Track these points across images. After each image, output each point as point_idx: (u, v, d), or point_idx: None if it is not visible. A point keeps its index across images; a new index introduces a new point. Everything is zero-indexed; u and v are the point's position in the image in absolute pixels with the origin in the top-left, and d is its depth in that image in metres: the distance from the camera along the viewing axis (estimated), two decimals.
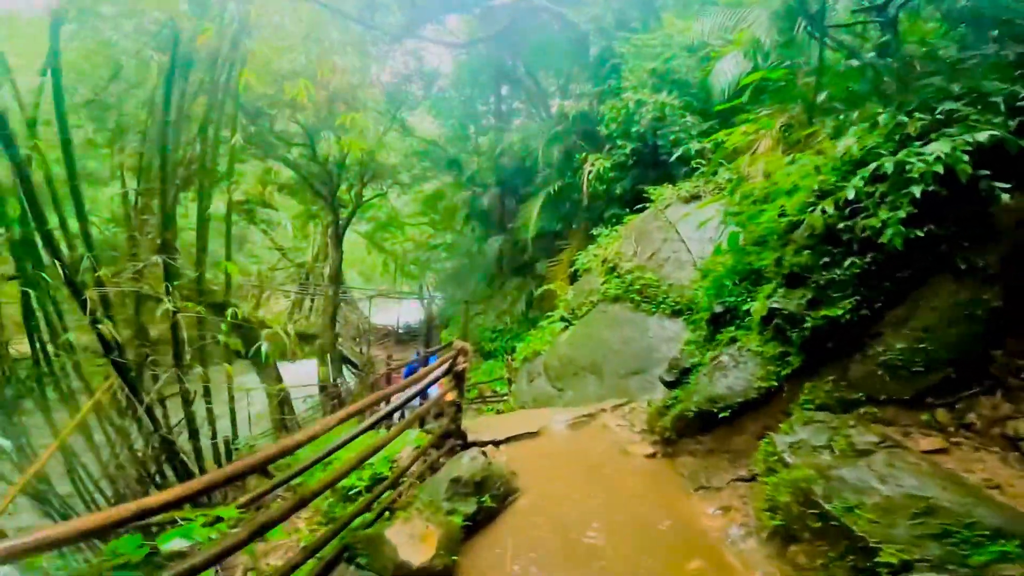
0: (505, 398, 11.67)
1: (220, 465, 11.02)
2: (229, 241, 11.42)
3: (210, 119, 10.83)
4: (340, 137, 18.26)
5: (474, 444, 6.65)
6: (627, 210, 10.99)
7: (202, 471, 9.83)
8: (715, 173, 9.48)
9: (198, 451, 10.52)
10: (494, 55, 20.03)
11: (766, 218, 5.66)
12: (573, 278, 11.83)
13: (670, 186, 9.71)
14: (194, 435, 9.76)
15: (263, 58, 15.68)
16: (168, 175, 9.76)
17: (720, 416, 5.37)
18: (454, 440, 6.28)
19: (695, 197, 9.15)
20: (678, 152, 10.39)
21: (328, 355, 20.11)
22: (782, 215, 5.44)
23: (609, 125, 12.32)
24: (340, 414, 3.66)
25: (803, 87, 7.62)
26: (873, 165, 4.44)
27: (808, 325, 4.59)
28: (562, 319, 10.41)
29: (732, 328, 5.90)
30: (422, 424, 7.30)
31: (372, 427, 4.31)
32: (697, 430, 5.80)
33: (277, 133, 18.61)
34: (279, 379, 20.74)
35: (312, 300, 26.97)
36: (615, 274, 9.26)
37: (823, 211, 4.50)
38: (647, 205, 9.96)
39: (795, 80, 7.88)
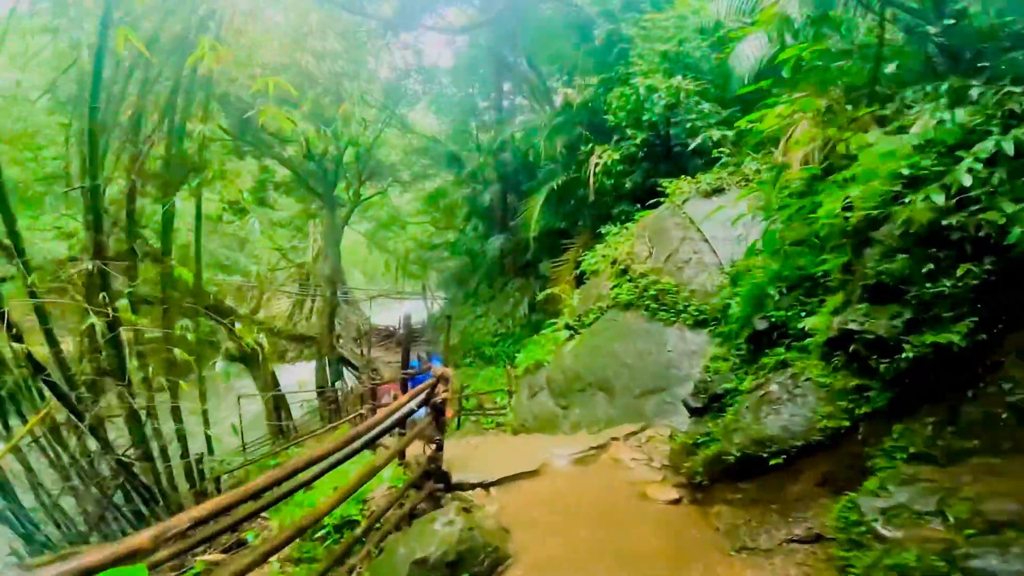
0: (505, 411, 10.37)
1: (193, 485, 9.76)
2: (200, 240, 10.08)
3: (173, 109, 9.53)
4: (329, 132, 17.14)
5: (458, 487, 5.33)
6: (638, 206, 9.63)
7: (163, 495, 8.57)
8: (740, 163, 8.14)
9: (166, 471, 9.27)
10: (494, 48, 18.70)
11: (824, 212, 4.30)
12: (579, 281, 10.49)
13: (688, 179, 8.32)
14: (149, 456, 8.45)
15: (246, 49, 14.45)
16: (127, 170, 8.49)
17: (771, 463, 4.05)
18: (433, 484, 4.96)
19: (718, 191, 7.79)
20: (696, 141, 9.04)
21: (326, 358, 18.85)
22: (847, 208, 4.09)
23: (617, 114, 10.94)
24: (305, 458, 3.04)
25: (845, 67, 6.33)
26: (990, 144, 3.14)
27: (908, 355, 3.24)
28: (567, 327, 9.07)
29: (781, 350, 4.56)
30: (402, 456, 6.02)
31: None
32: (737, 474, 4.49)
33: (269, 130, 17.34)
34: (275, 384, 19.54)
35: (313, 301, 25.74)
36: (627, 277, 7.91)
37: (928, 201, 3.15)
38: (662, 200, 8.60)
39: (840, 57, 6.52)
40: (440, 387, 4.78)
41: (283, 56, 14.75)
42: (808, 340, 4.26)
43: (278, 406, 18.37)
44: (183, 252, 21.11)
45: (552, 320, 9.97)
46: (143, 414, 8.38)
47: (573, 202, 12.89)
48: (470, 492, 5.27)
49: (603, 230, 9.81)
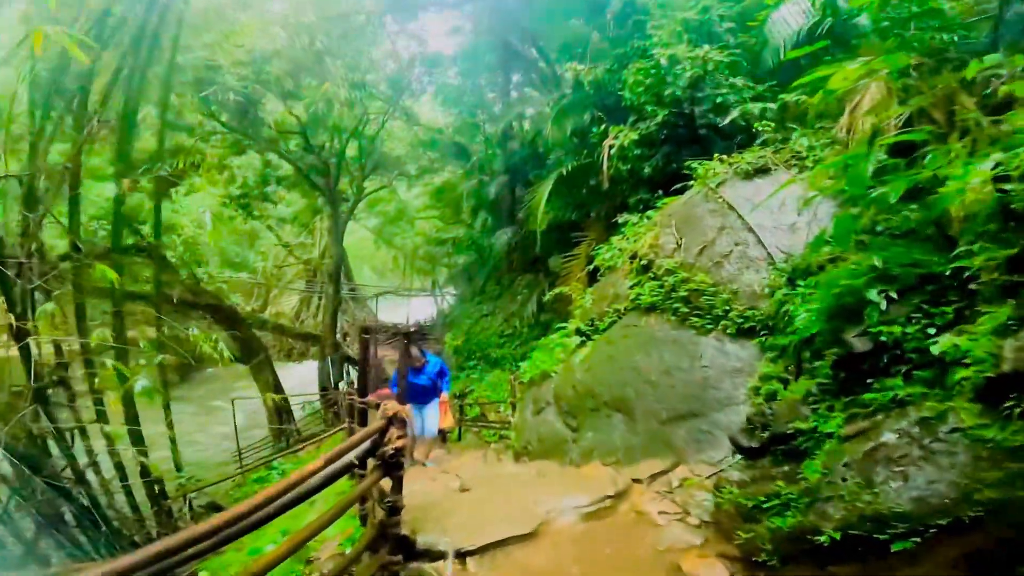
0: (509, 425, 8.83)
1: (155, 504, 8.32)
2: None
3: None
4: (329, 123, 15.68)
5: (424, 555, 3.81)
6: (659, 193, 7.99)
7: (104, 520, 7.11)
8: (785, 140, 6.51)
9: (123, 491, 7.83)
10: (500, 35, 17.09)
11: (953, 188, 2.71)
12: (592, 278, 8.89)
13: (723, 157, 6.66)
14: (82, 478, 7.01)
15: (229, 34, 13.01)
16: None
17: (895, 548, 2.51)
18: (389, 556, 3.45)
19: (761, 171, 6.14)
20: (732, 115, 7.42)
21: (329, 357, 17.42)
22: (1002, 179, 2.50)
23: (635, 90, 9.29)
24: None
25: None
26: None
27: None
28: (578, 332, 7.50)
29: (895, 381, 2.97)
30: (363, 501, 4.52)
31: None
32: (828, 557, 2.95)
33: (268, 122, 15.91)
34: (277, 384, 18.17)
35: (320, 298, 24.38)
36: (649, 275, 6.30)
37: None
38: (690, 184, 6.98)
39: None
40: (393, 432, 3.25)
41: (274, 42, 13.33)
42: (935, 369, 2.66)
43: (280, 408, 16.99)
44: (192, 248, 19.89)
45: (562, 324, 8.38)
46: (79, 430, 6.95)
47: (584, 191, 11.27)
48: (439, 564, 3.74)
49: (620, 219, 8.16)
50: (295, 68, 13.64)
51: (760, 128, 6.82)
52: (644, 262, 6.38)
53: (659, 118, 8.84)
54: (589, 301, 7.62)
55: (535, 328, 12.31)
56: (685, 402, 5.50)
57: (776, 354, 4.85)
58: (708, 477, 4.89)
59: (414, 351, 7.18)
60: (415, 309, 25.81)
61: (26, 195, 6.87)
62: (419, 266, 25.69)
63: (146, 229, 17.00)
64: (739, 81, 8.42)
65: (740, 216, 5.64)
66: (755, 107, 7.42)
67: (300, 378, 21.90)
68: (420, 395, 7.19)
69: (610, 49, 11.51)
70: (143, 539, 7.27)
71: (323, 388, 16.62)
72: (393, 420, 3.25)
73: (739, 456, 4.53)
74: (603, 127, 9.94)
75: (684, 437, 5.40)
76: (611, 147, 9.44)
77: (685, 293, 5.70)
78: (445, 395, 7.43)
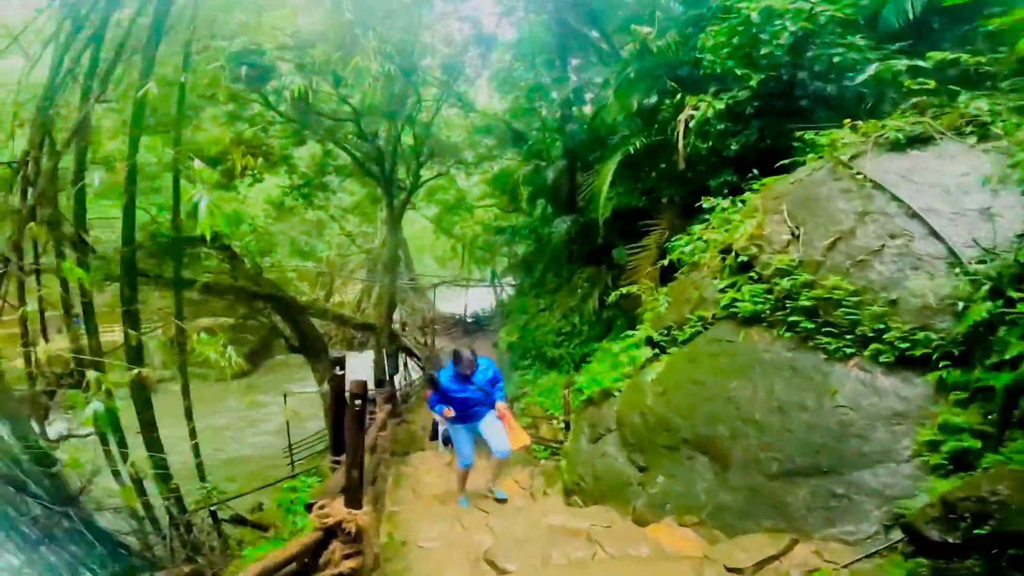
0: (561, 446, 7.26)
1: (171, 517, 7.25)
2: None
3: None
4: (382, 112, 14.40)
5: None
6: (753, 173, 6.16)
7: (101, 537, 6.03)
8: (943, 105, 4.59)
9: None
10: (558, 15, 15.30)
11: None
12: (666, 274, 7.17)
13: (858, 125, 4.77)
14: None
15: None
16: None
17: None
18: None
19: (919, 140, 4.27)
20: (867, 73, 5.56)
21: (384, 349, 16.31)
22: None
23: (717, 53, 7.46)
24: None
25: None
26: None
27: None
28: (649, 342, 5.85)
29: None
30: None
31: None
32: None
33: (319, 109, 14.81)
34: (333, 375, 17.26)
35: (380, 288, 23.48)
36: (750, 275, 4.59)
37: None
38: (801, 160, 5.17)
39: None
40: (336, 550, 1.80)
41: (320, 23, 12.09)
42: None
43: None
44: (261, 239, 19.26)
45: (629, 332, 6.73)
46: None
47: (654, 173, 9.48)
48: None
49: (704, 204, 6.34)
50: (343, 53, 12.40)
51: (911, 87, 4.87)
52: (743, 258, 4.65)
53: (753, 83, 6.94)
54: (664, 304, 5.92)
55: (596, 326, 10.67)
56: (808, 452, 3.80)
57: (967, 396, 3.09)
58: (849, 565, 3.23)
59: (465, 353, 5.53)
60: (473, 299, 24.56)
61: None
62: (478, 255, 24.36)
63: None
64: (858, 40, 6.49)
65: (897, 198, 3.82)
66: (897, 64, 5.46)
67: (361, 368, 21.06)
68: (471, 409, 5.61)
69: (683, 12, 9.64)
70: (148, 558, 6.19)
71: (379, 381, 15.51)
72: (336, 531, 1.78)
73: (920, 553, 2.82)
74: (677, 99, 8.12)
75: (806, 501, 3.72)
76: (687, 122, 7.64)
77: (809, 302, 3.96)
78: (503, 405, 5.82)
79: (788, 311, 4.09)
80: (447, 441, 7.60)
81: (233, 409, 20.41)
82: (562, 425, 7.43)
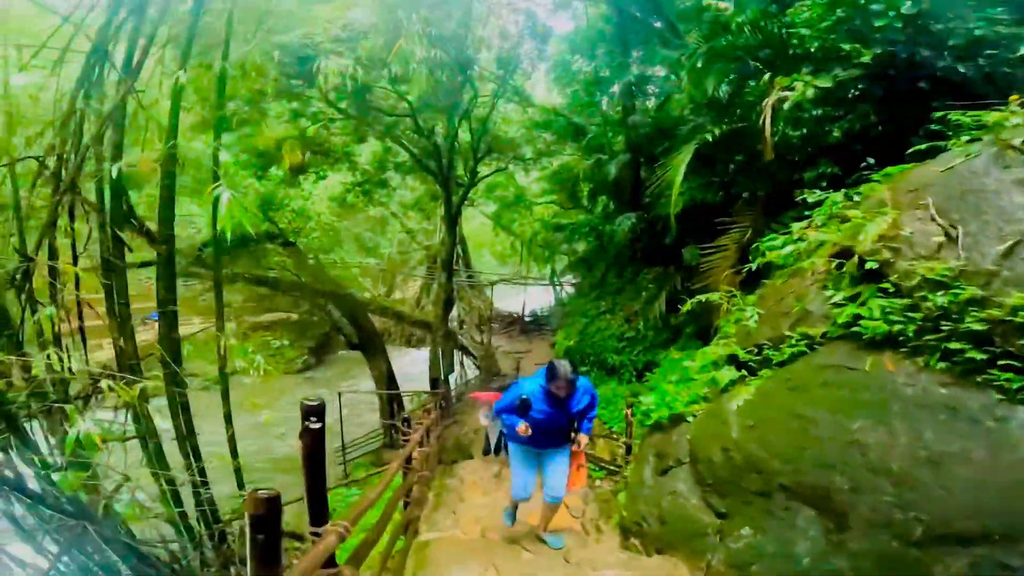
0: (620, 470, 6.25)
1: (208, 527, 6.70)
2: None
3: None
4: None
5: None
6: (867, 162, 4.95)
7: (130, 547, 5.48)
8: None
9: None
10: (616, 5, 14.17)
11: None
12: (750, 279, 6.04)
13: None
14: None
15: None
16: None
17: None
18: None
19: None
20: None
21: (440, 348, 15.67)
22: None
23: (816, 28, 6.24)
24: None
25: None
26: None
27: None
28: (733, 361, 4.78)
29: None
30: None
31: None
32: None
33: (376, 104, 14.30)
34: (389, 373, 16.80)
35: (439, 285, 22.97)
36: (884, 285, 3.46)
37: None
38: (943, 146, 3.98)
39: None
40: None
41: (371, 16, 11.44)
42: None
43: (391, 398, 15.58)
44: (325, 235, 19.08)
45: (705, 347, 5.65)
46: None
47: (731, 165, 8.32)
48: None
49: (808, 198, 5.11)
50: (394, 44, 11.76)
51: None
52: (870, 264, 3.53)
53: (866, 60, 5.66)
54: (753, 316, 4.82)
55: (662, 332, 9.58)
56: (971, 515, 2.71)
57: None
58: None
59: (563, 369, 4.14)
60: (532, 298, 23.67)
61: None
62: (537, 253, 23.45)
63: (279, 216, 16.32)
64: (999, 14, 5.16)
65: None
66: None
67: (419, 365, 20.61)
68: (549, 436, 4.46)
69: None
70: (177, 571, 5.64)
71: (433, 380, 14.88)
72: None
73: None
74: (764, 81, 6.91)
75: (963, 574, 2.63)
76: (775, 106, 6.44)
77: (980, 325, 2.83)
78: (585, 439, 4.67)
79: (944, 335, 2.97)
80: (499, 449, 6.75)
81: (289, 406, 20.36)
82: (622, 446, 6.41)
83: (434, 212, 22.95)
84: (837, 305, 3.76)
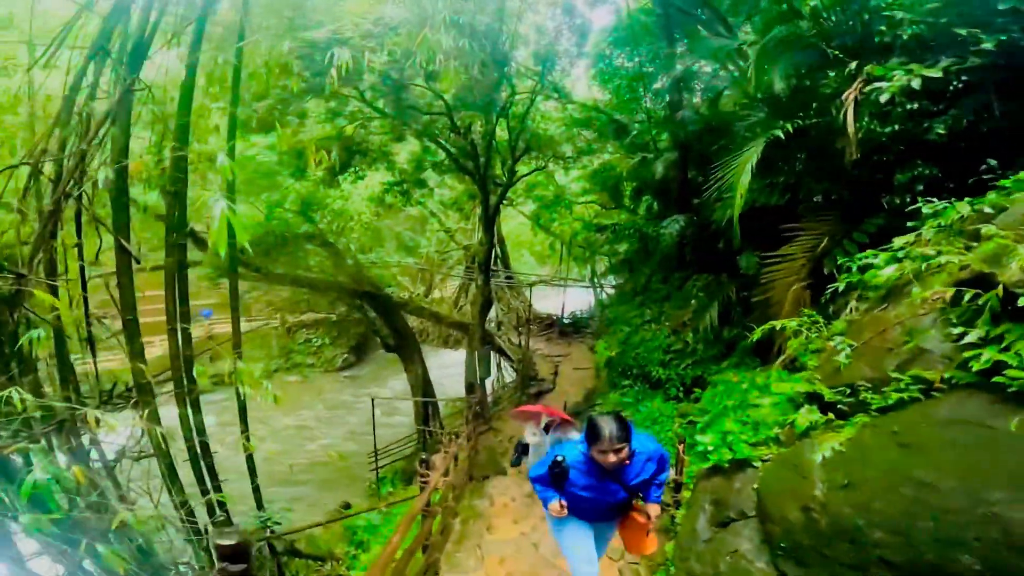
0: (668, 509, 5.43)
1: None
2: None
3: None
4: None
5: None
6: (991, 163, 4.01)
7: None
8: None
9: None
10: None
11: None
12: (817, 293, 5.16)
13: None
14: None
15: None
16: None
17: None
18: None
19: None
20: None
21: (476, 351, 15.05)
22: None
23: (915, 11, 5.29)
24: None
25: None
26: None
27: None
28: (815, 399, 3.95)
29: None
30: None
31: None
32: None
33: (412, 103, 13.74)
34: (424, 376, 16.30)
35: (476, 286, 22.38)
36: None
37: None
38: None
39: None
40: None
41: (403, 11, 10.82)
42: None
43: (426, 404, 15.07)
44: (364, 235, 18.72)
45: (762, 367, 4.83)
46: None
47: (799, 166, 7.36)
48: None
49: (924, 208, 4.08)
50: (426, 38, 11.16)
51: None
52: (1022, 299, 2.66)
53: (987, 48, 4.64)
54: (844, 350, 3.95)
55: (713, 346, 8.69)
56: None
57: None
58: None
59: (606, 429, 3.00)
60: (571, 299, 22.83)
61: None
62: (577, 254, 22.60)
63: (317, 217, 15.98)
64: None
65: None
66: None
67: (456, 366, 20.11)
68: (599, 513, 3.42)
69: None
70: None
71: (469, 385, 14.30)
72: None
73: None
74: (847, 70, 5.94)
75: None
76: (858, 99, 5.50)
77: None
78: (656, 509, 3.43)
79: None
80: (517, 462, 5.81)
81: (325, 405, 20.21)
82: (670, 482, 5.60)
83: (472, 211, 22.39)
84: (970, 346, 2.90)
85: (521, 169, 17.42)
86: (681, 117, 11.80)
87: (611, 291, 20.36)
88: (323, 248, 16.37)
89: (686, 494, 5.34)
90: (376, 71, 12.96)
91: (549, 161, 17.92)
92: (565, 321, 22.06)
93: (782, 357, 5.94)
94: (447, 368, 20.21)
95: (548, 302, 24.27)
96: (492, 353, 17.51)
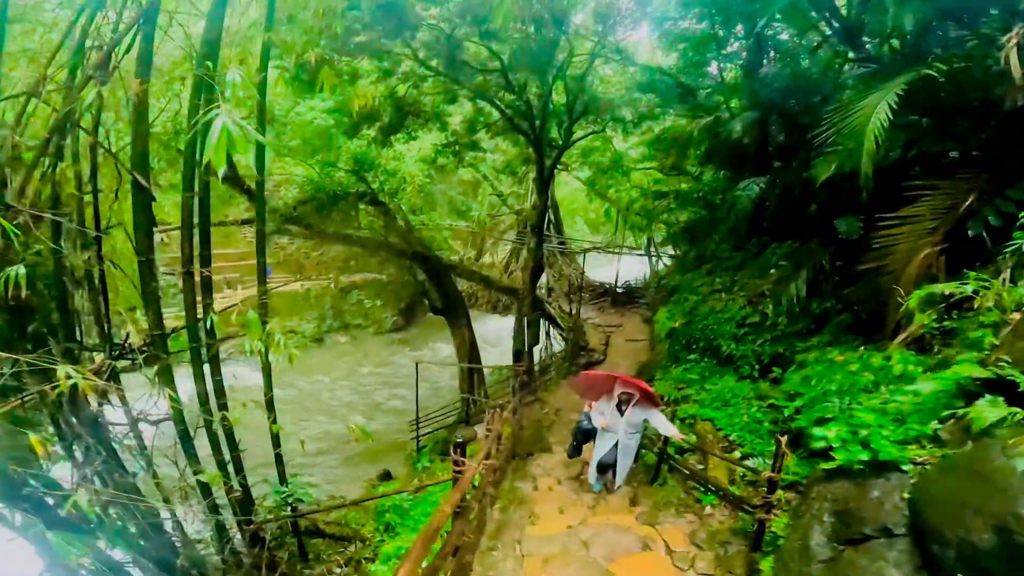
0: (755, 510, 4.41)
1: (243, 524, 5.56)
2: None
3: None
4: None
5: None
6: None
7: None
8: None
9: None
10: None
11: None
12: (954, 259, 3.95)
13: None
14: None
15: None
16: None
17: None
18: None
19: None
20: None
21: (525, 317, 14.14)
22: None
23: None
24: None
25: None
26: None
27: None
28: (993, 387, 2.83)
29: None
30: None
31: None
32: None
33: (467, 61, 12.73)
34: (472, 341, 15.56)
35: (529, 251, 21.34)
36: None
37: None
38: None
39: None
40: None
41: None
42: None
43: (472, 368, 14.36)
44: (414, 196, 17.97)
45: (881, 351, 3.71)
46: None
47: (923, 119, 5.97)
48: None
49: None
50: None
51: None
52: None
53: None
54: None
55: (799, 320, 7.47)
56: None
57: None
58: None
59: None
60: (626, 268, 21.51)
61: None
62: (634, 221, 21.21)
63: (370, 177, 15.30)
64: None
65: None
66: None
67: (504, 332, 19.35)
68: None
69: None
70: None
71: (516, 353, 13.46)
72: None
73: None
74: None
75: None
76: (1021, 43, 4.19)
77: None
78: None
79: None
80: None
81: (370, 366, 19.81)
82: (763, 480, 4.52)
83: (526, 177, 21.28)
84: None
85: (578, 132, 16.18)
86: (765, 73, 10.34)
87: (667, 260, 19.00)
88: (374, 207, 15.72)
89: (780, 494, 4.31)
90: (430, 27, 12.08)
91: (607, 125, 16.58)
92: (618, 290, 20.82)
93: (903, 334, 4.77)
94: (495, 334, 19.49)
95: (601, 271, 23.04)
96: (541, 320, 16.60)
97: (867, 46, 7.94)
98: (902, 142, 6.03)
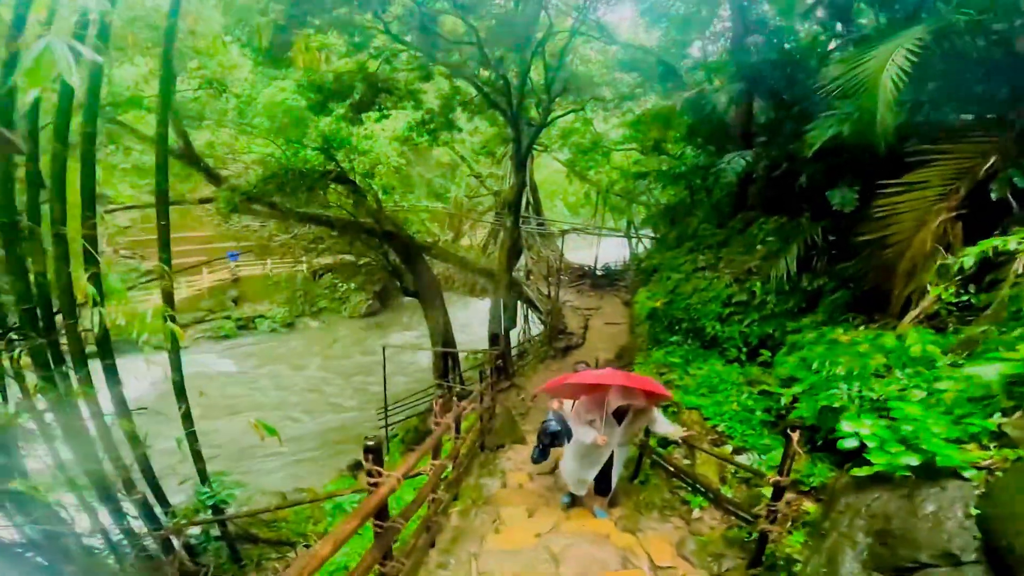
0: (744, 520, 3.77)
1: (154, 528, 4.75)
2: None
3: None
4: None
5: None
6: None
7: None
8: None
9: None
10: None
11: None
12: (973, 225, 3.33)
13: None
14: None
15: None
16: None
17: None
18: None
19: None
20: None
21: (502, 299, 13.44)
22: None
23: None
24: None
25: None
26: None
27: None
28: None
29: None
30: None
31: None
32: None
33: (441, 33, 11.92)
34: (446, 325, 14.85)
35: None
36: None
37: None
38: None
39: None
40: None
41: None
42: None
43: (446, 353, 13.65)
44: (387, 175, 16.99)
45: (893, 331, 3.06)
46: None
47: (930, 83, 5.33)
48: None
49: None
50: None
51: None
52: None
53: None
54: None
55: (790, 297, 6.91)
56: None
57: None
58: None
59: None
60: (605, 250, 20.87)
61: None
62: (614, 203, 20.56)
63: (340, 155, 14.37)
64: None
65: None
66: None
67: (482, 315, 18.63)
68: None
69: None
70: None
71: (492, 336, 12.78)
72: None
73: None
74: None
75: None
76: None
77: None
78: None
79: None
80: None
81: (345, 353, 18.98)
82: (768, 482, 3.81)
83: (504, 157, 20.46)
84: None
85: (557, 110, 15.41)
86: (752, 42, 9.65)
87: (647, 242, 18.42)
88: (342, 186, 14.80)
89: (785, 504, 3.65)
90: (403, 3, 11.25)
91: (587, 104, 15.83)
92: (598, 273, 20.22)
93: (916, 310, 4.17)
94: (473, 318, 18.78)
95: (581, 253, 22.39)
96: (519, 303, 15.93)
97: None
98: (907, 107, 5.40)
